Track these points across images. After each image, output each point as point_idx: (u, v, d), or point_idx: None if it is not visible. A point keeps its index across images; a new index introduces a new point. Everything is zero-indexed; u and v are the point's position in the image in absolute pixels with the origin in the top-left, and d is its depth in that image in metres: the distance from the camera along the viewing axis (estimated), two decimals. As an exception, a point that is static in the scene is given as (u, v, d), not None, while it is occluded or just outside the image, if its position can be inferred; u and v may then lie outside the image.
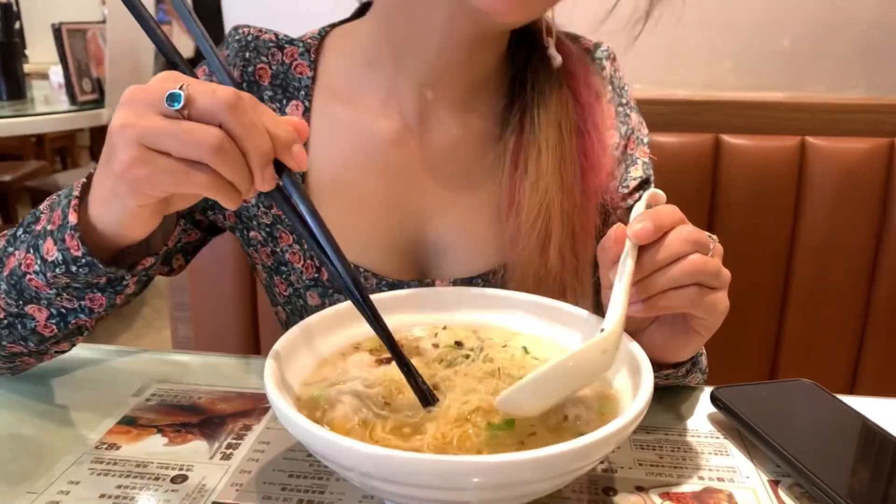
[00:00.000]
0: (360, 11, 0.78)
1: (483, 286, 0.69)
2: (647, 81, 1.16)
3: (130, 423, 0.61)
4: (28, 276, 0.55)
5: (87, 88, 2.68)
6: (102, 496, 0.51)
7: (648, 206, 0.55)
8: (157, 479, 0.53)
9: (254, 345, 1.12)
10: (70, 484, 0.52)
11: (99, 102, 2.69)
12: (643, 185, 0.76)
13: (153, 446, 0.57)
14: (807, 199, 1.12)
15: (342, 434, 0.42)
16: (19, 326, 0.59)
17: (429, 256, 0.72)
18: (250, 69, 0.71)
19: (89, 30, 2.71)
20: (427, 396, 0.48)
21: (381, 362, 0.55)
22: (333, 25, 0.77)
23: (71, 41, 2.60)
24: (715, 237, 0.55)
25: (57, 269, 0.53)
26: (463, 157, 0.72)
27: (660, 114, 1.13)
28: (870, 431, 0.57)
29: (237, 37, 0.72)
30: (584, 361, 0.46)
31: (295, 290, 0.73)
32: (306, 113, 0.71)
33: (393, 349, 0.49)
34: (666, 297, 0.52)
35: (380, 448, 0.39)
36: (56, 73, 2.77)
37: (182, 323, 1.23)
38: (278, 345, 0.51)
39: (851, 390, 1.16)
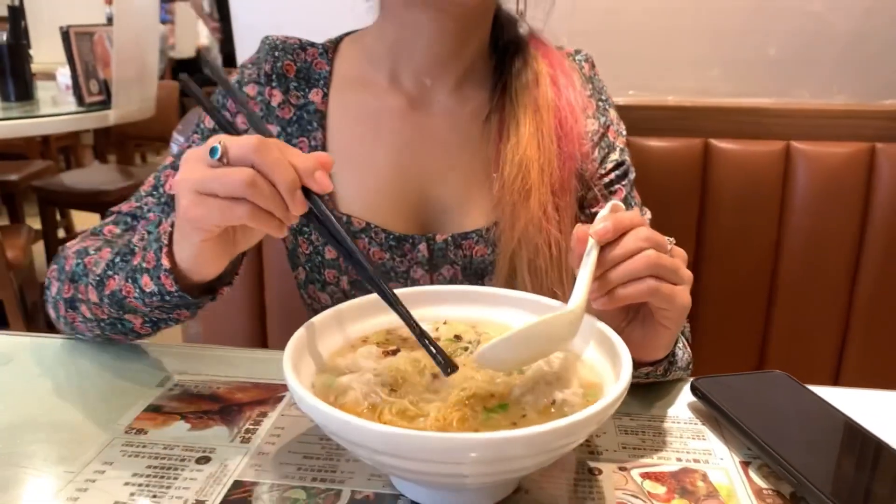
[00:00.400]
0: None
1: (477, 240, 0.81)
2: (639, 88, 1.20)
3: (156, 411, 0.66)
4: (128, 299, 0.67)
5: (94, 90, 2.72)
6: (135, 475, 0.56)
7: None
8: (182, 460, 0.58)
9: (261, 340, 1.17)
10: (104, 464, 0.58)
11: (105, 104, 2.73)
12: (619, 166, 0.88)
13: (178, 431, 0.63)
14: (792, 200, 1.17)
15: (354, 416, 0.47)
16: (119, 325, 0.72)
17: (430, 214, 0.83)
18: (279, 65, 0.84)
19: (96, 32, 2.75)
20: (447, 364, 0.55)
21: (387, 354, 0.60)
22: (347, 34, 0.90)
23: (78, 44, 2.64)
24: (673, 240, 0.61)
25: (154, 298, 0.65)
26: (459, 129, 0.84)
27: (651, 119, 1.17)
28: (834, 418, 0.63)
29: (268, 42, 0.86)
30: (550, 328, 0.53)
31: (314, 247, 0.84)
32: (325, 98, 0.85)
33: (416, 329, 0.56)
34: (624, 287, 0.58)
35: (388, 427, 0.44)
36: (63, 75, 2.81)
37: (192, 321, 1.28)
38: (293, 340, 0.56)
39: (836, 382, 1.21)
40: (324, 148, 0.84)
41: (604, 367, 0.56)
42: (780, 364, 1.21)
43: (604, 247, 0.58)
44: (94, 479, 0.56)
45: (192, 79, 0.60)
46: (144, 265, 0.65)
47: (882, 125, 1.15)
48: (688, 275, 0.61)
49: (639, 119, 1.08)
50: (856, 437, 0.60)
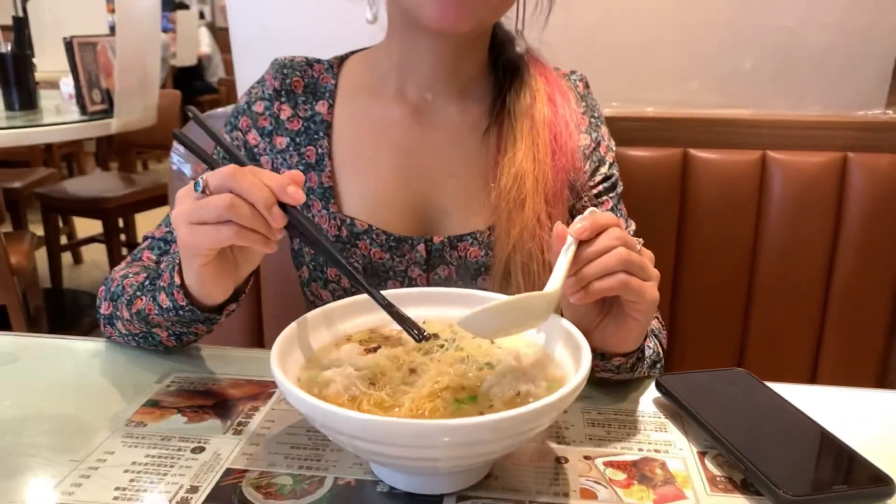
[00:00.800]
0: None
1: (472, 243, 0.86)
2: (621, 100, 1.25)
3: (154, 405, 0.70)
4: (151, 316, 0.75)
5: (97, 99, 2.77)
6: (134, 463, 0.61)
7: None
8: (179, 450, 0.63)
9: (257, 341, 1.22)
10: (106, 454, 0.62)
11: (108, 112, 2.78)
12: (607, 179, 0.93)
13: (175, 424, 0.67)
14: (768, 207, 1.22)
15: (334, 406, 0.51)
16: (150, 338, 0.79)
17: (429, 217, 0.88)
18: (288, 81, 0.90)
19: (99, 42, 2.80)
20: (419, 332, 0.63)
21: (368, 351, 0.64)
22: (353, 52, 0.96)
23: (82, 54, 2.69)
24: (641, 240, 0.67)
25: (170, 313, 0.72)
26: (459, 139, 0.89)
27: (632, 130, 1.22)
28: (786, 411, 0.67)
29: (277, 62, 0.92)
30: (529, 304, 0.59)
31: None
32: (330, 109, 0.90)
33: (386, 305, 0.64)
34: (599, 282, 0.63)
35: (365, 414, 0.48)
36: (66, 85, 2.86)
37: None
38: (281, 336, 0.61)
39: (812, 381, 1.26)
40: (329, 154, 0.89)
41: (568, 363, 0.61)
42: (757, 365, 1.26)
43: (580, 245, 0.63)
44: (97, 466, 0.60)
45: (191, 109, 0.70)
46: (162, 284, 0.73)
47: (854, 135, 1.20)
48: (655, 273, 0.66)
49: (621, 129, 1.12)
50: (804, 428, 0.65)
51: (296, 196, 0.61)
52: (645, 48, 1.29)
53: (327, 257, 0.66)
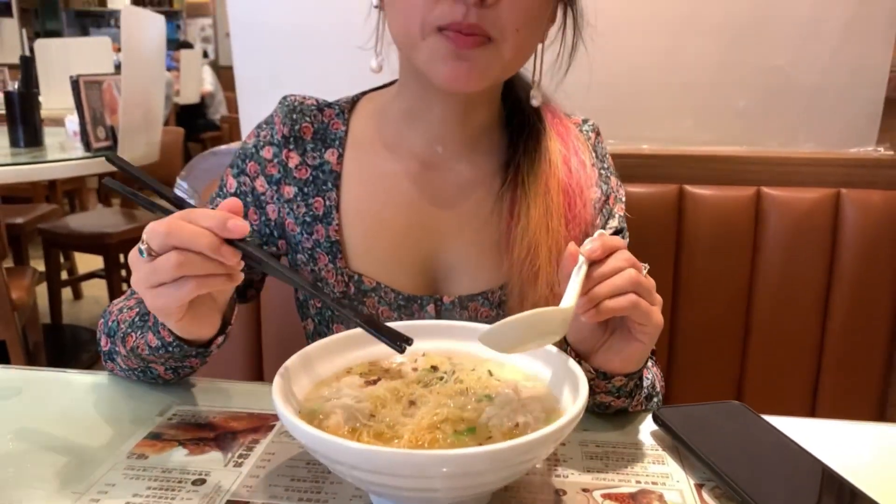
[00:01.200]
0: (388, 84, 0.95)
1: (483, 302, 0.85)
2: (617, 137, 1.27)
3: (156, 438, 0.71)
4: (143, 354, 0.75)
5: (101, 136, 2.81)
6: (135, 495, 0.61)
7: None
8: (180, 482, 0.63)
9: (258, 375, 1.22)
10: (107, 485, 0.63)
11: (112, 149, 2.81)
12: (617, 233, 0.91)
13: (176, 456, 0.68)
14: (763, 242, 1.23)
15: (335, 437, 0.52)
16: (148, 372, 0.80)
17: (438, 276, 0.87)
18: (297, 127, 0.88)
19: (105, 81, 2.85)
20: (399, 341, 0.62)
21: (369, 383, 0.65)
22: (364, 93, 0.94)
23: (87, 92, 2.74)
24: (647, 266, 0.68)
25: (160, 351, 0.73)
26: (469, 195, 0.87)
27: (629, 166, 1.23)
28: (783, 445, 0.68)
29: (286, 103, 0.90)
30: (546, 318, 0.61)
31: (324, 302, 0.87)
32: (340, 159, 0.88)
33: (360, 317, 0.63)
34: (610, 301, 0.64)
35: (365, 445, 0.49)
36: (72, 122, 2.90)
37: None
38: (282, 369, 0.62)
39: (811, 414, 1.26)
40: (338, 207, 0.87)
41: (566, 395, 0.62)
42: (756, 398, 1.26)
43: (591, 265, 0.65)
44: (98, 498, 0.61)
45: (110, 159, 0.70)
46: (149, 324, 0.73)
47: (846, 172, 1.22)
48: (659, 298, 0.68)
49: (617, 166, 1.14)
50: (802, 462, 0.65)
51: (237, 230, 0.60)
52: (640, 87, 1.32)
53: (289, 283, 0.66)
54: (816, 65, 1.27)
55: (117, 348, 0.78)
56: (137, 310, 0.77)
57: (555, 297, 0.80)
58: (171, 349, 0.72)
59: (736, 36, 1.28)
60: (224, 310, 0.71)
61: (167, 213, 0.64)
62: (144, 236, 0.61)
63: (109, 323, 0.81)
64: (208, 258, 0.59)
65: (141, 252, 0.61)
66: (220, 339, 0.74)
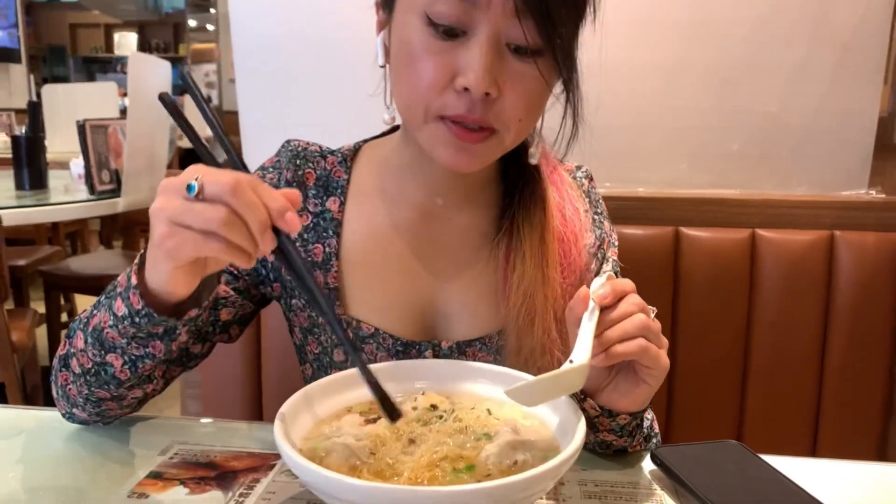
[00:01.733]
0: (390, 129, 0.96)
1: (480, 348, 0.85)
2: (613, 180, 1.30)
3: (157, 477, 0.71)
4: (105, 330, 0.70)
5: (106, 179, 2.85)
6: (135, 534, 0.61)
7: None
8: (180, 521, 0.63)
9: (258, 415, 1.22)
10: (108, 525, 0.63)
11: (115, 192, 2.85)
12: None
13: (177, 495, 0.68)
14: (760, 283, 1.25)
15: (336, 474, 0.52)
16: (102, 373, 0.73)
17: (436, 322, 0.87)
18: (300, 173, 0.88)
19: (110, 125, 2.91)
20: (392, 412, 0.58)
21: (369, 422, 0.66)
22: (366, 140, 0.95)
23: (93, 136, 2.79)
24: (655, 309, 0.70)
25: (125, 321, 0.68)
26: (467, 243, 0.88)
27: (625, 209, 1.26)
28: (782, 484, 0.68)
29: (290, 147, 0.90)
30: (565, 378, 0.62)
31: (324, 348, 0.88)
32: (341, 207, 0.88)
33: (368, 376, 0.60)
34: (620, 346, 0.66)
35: (366, 482, 0.50)
36: (76, 165, 2.95)
37: (192, 400, 1.33)
38: (284, 407, 0.62)
39: (813, 453, 1.26)
40: (338, 254, 0.87)
41: (564, 433, 0.62)
42: (756, 438, 1.26)
43: (601, 309, 0.67)
44: (98, 538, 0.61)
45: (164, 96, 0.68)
46: (119, 290, 0.69)
47: (839, 214, 1.24)
48: (665, 341, 0.70)
49: (613, 208, 1.16)
50: (800, 502, 0.65)
51: (292, 223, 0.58)
52: (636, 131, 1.35)
53: (308, 297, 0.64)
54: (807, 110, 1.31)
55: (74, 343, 0.74)
56: (105, 293, 0.74)
57: (551, 342, 0.82)
58: (137, 319, 0.67)
59: (727, 81, 1.31)
60: (204, 276, 0.67)
61: (219, 166, 0.61)
62: (202, 176, 0.57)
63: (71, 325, 0.77)
64: (248, 233, 0.57)
65: (191, 188, 0.56)
66: (194, 311, 0.70)
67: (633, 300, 0.68)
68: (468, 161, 0.76)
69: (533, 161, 0.86)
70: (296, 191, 0.60)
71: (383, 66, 0.81)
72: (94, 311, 0.73)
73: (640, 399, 0.71)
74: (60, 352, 0.78)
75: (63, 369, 0.77)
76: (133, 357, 0.72)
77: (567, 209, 0.89)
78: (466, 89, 0.70)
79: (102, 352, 0.72)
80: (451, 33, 0.71)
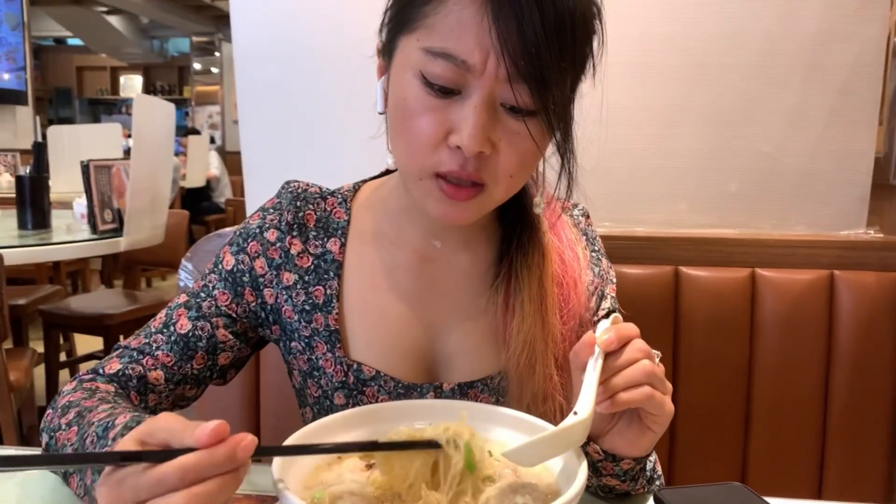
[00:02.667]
0: (389, 171, 0.96)
1: (482, 389, 0.84)
2: (613, 220, 1.31)
3: (153, 521, 0.70)
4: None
5: (108, 219, 2.87)
6: (130, 581, 0.60)
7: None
8: (176, 567, 0.62)
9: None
10: (102, 571, 0.61)
11: (117, 231, 2.87)
12: (609, 314, 0.90)
13: (173, 540, 0.66)
14: (760, 323, 1.25)
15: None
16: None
17: (438, 364, 0.87)
18: (300, 215, 0.88)
19: (114, 165, 2.94)
20: (429, 443, 0.59)
21: (369, 467, 0.65)
22: (365, 181, 0.96)
23: (97, 176, 2.82)
24: (660, 354, 0.70)
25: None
26: (466, 287, 0.88)
27: (625, 248, 1.27)
28: (787, 527, 0.67)
29: (290, 189, 0.91)
30: (567, 434, 0.61)
31: (324, 391, 0.87)
32: (342, 248, 0.88)
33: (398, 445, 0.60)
34: (625, 393, 0.65)
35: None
36: (80, 205, 2.97)
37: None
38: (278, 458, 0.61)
39: (819, 495, 1.24)
40: (339, 297, 0.87)
41: (566, 476, 0.62)
42: (761, 479, 1.25)
43: (606, 355, 0.66)
44: (92, 584, 0.60)
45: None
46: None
47: (838, 254, 1.25)
48: (669, 386, 0.69)
49: (613, 248, 1.17)
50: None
51: (249, 451, 0.52)
52: (636, 173, 1.36)
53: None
54: (804, 151, 1.32)
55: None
56: (79, 431, 0.69)
57: (553, 388, 0.82)
58: None
59: (725, 124, 1.33)
60: None
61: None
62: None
63: (53, 424, 0.74)
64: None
65: None
66: None
67: (638, 346, 0.67)
68: (458, 215, 0.77)
69: (537, 211, 0.86)
70: (221, 423, 0.52)
71: (382, 113, 0.82)
72: (72, 472, 0.69)
73: (644, 445, 0.71)
74: (61, 442, 0.72)
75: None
76: None
77: (566, 253, 0.89)
78: (459, 147, 0.71)
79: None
80: (446, 92, 0.72)
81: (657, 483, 0.82)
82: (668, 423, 0.70)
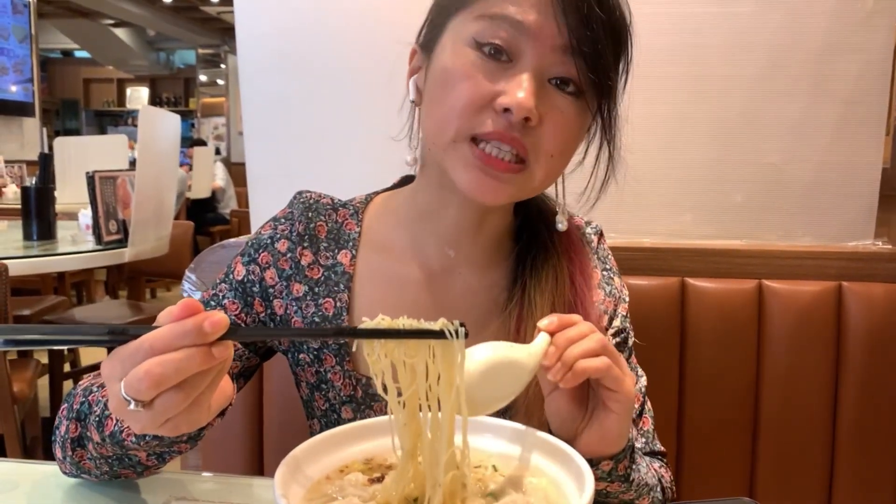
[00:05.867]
0: (401, 182, 0.97)
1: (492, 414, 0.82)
2: (619, 231, 1.30)
3: (153, 535, 0.69)
4: (126, 441, 0.68)
5: (113, 230, 2.87)
6: None
7: None
8: (176, 583, 0.61)
9: (258, 468, 1.20)
10: (101, 586, 0.61)
11: (122, 242, 2.87)
12: (619, 333, 0.91)
13: (173, 555, 0.66)
14: (768, 335, 1.23)
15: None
16: (126, 459, 0.74)
17: None
18: (312, 226, 0.88)
19: (119, 176, 2.94)
20: (435, 332, 0.59)
21: (372, 481, 0.64)
22: (377, 193, 0.95)
23: (102, 187, 2.82)
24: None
25: (147, 437, 0.67)
26: (478, 306, 0.87)
27: (631, 259, 1.26)
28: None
29: (302, 199, 0.90)
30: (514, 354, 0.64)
31: (331, 405, 0.86)
32: (353, 260, 0.87)
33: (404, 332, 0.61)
34: (583, 362, 0.65)
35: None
36: (85, 216, 2.97)
37: (192, 452, 1.31)
38: (283, 465, 0.60)
39: (828, 509, 1.22)
40: (348, 309, 0.85)
41: (573, 492, 0.61)
42: (770, 493, 1.23)
43: (556, 337, 0.67)
44: None
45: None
46: None
47: (846, 265, 1.24)
48: (630, 372, 0.69)
49: (619, 259, 1.16)
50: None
51: (219, 327, 0.53)
52: (641, 184, 1.35)
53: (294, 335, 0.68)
54: (810, 162, 1.31)
55: (90, 433, 0.72)
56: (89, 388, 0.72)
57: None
58: (161, 435, 0.64)
59: (731, 135, 1.33)
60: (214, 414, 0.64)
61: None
62: (126, 392, 0.53)
63: (77, 405, 0.75)
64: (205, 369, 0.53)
65: (132, 405, 0.53)
66: (217, 420, 0.69)
67: (587, 324, 0.67)
68: (492, 188, 0.74)
69: (560, 227, 0.85)
70: (190, 299, 0.55)
71: (413, 102, 0.83)
72: (108, 413, 0.70)
73: (613, 434, 0.69)
74: (72, 433, 0.75)
75: (77, 448, 0.75)
76: (159, 452, 0.73)
77: (577, 279, 0.88)
78: (507, 110, 0.71)
79: (123, 449, 0.71)
80: (498, 55, 0.72)
81: (658, 490, 0.80)
82: (631, 407, 0.69)
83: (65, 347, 0.70)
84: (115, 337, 0.55)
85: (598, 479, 0.71)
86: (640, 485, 0.75)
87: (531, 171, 0.75)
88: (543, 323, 0.67)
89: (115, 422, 0.69)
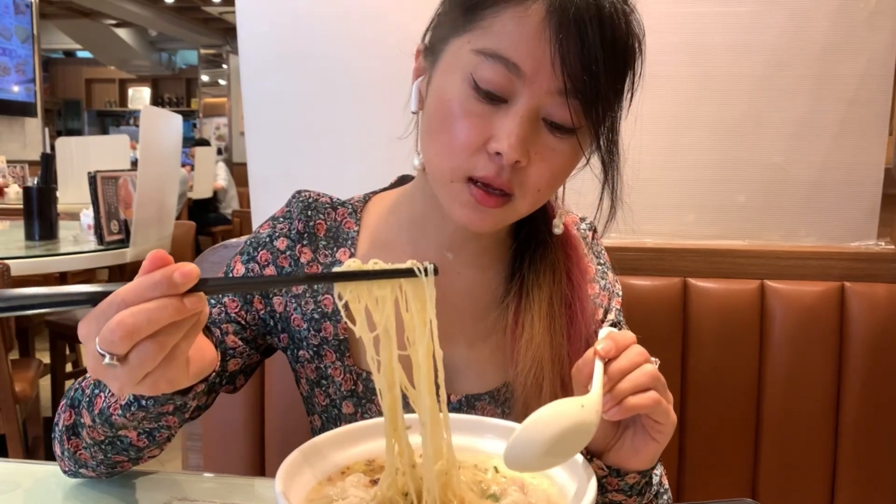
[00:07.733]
0: (398, 181, 0.97)
1: (489, 401, 0.84)
2: (621, 232, 1.29)
3: (154, 536, 0.69)
4: (113, 416, 0.69)
5: (115, 230, 2.87)
6: None
7: None
8: (177, 583, 0.61)
9: (259, 468, 1.20)
10: (102, 587, 0.61)
11: (124, 242, 2.87)
12: (613, 326, 0.91)
13: (174, 556, 0.66)
14: (770, 335, 1.23)
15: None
16: (118, 443, 0.74)
17: (446, 375, 0.84)
18: (311, 224, 0.88)
19: (121, 177, 2.95)
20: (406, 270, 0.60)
21: (374, 483, 0.64)
22: (374, 192, 0.95)
23: (104, 187, 2.82)
24: (658, 361, 0.69)
25: (132, 407, 0.67)
26: (476, 301, 0.88)
27: (633, 260, 1.26)
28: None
29: (301, 198, 0.90)
30: (575, 430, 0.59)
31: (332, 400, 0.87)
32: (352, 258, 0.87)
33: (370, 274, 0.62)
34: (634, 398, 0.64)
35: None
36: (87, 216, 2.98)
37: (194, 452, 1.31)
38: (284, 466, 0.60)
39: (832, 508, 1.22)
40: (347, 307, 0.88)
41: (575, 494, 0.60)
42: (772, 495, 1.23)
43: (608, 363, 0.65)
44: None
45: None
46: None
47: (848, 265, 1.23)
48: (671, 395, 0.68)
49: (621, 259, 1.16)
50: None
51: (189, 278, 0.53)
52: (643, 184, 1.34)
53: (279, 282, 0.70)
54: (813, 162, 1.31)
55: (82, 419, 0.73)
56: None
57: None
58: (144, 402, 0.66)
59: (733, 134, 1.32)
60: (197, 375, 0.64)
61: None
62: (101, 346, 0.53)
63: (72, 394, 0.76)
64: (179, 321, 0.54)
65: (107, 358, 0.53)
66: (201, 386, 0.69)
67: (637, 350, 0.67)
68: (482, 222, 0.76)
69: (557, 231, 0.86)
70: (159, 251, 0.55)
71: (415, 112, 0.82)
72: (97, 391, 0.72)
73: (649, 457, 0.70)
74: (67, 422, 0.76)
75: (72, 437, 0.76)
76: (148, 429, 0.72)
77: (574, 273, 0.88)
78: (498, 154, 0.71)
79: (113, 429, 0.72)
80: (492, 98, 0.72)
81: (665, 498, 0.81)
82: (671, 433, 0.68)
83: (46, 311, 0.70)
84: (95, 297, 0.55)
85: (618, 489, 0.72)
86: (650, 497, 0.75)
87: (516, 204, 0.76)
88: (600, 346, 0.66)
89: (103, 398, 0.70)
